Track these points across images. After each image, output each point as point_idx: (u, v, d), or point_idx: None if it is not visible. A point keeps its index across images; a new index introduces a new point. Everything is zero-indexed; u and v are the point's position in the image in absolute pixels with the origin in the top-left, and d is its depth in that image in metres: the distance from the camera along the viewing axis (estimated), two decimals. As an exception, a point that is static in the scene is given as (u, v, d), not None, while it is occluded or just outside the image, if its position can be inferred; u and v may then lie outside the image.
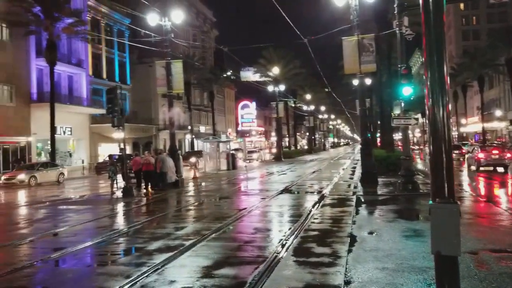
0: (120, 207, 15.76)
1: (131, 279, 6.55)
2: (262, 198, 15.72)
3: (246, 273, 6.71)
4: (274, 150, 58.45)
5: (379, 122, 39.97)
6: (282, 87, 52.01)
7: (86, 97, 45.16)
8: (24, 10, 32.12)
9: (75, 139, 44.34)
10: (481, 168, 24.65)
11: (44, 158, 38.33)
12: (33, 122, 37.60)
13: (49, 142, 35.07)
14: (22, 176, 27.08)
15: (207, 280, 6.42)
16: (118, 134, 20.08)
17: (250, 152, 53.14)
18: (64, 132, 41.41)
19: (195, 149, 53.38)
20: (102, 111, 45.19)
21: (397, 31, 15.82)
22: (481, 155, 24.89)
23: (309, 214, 11.82)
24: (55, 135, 34.25)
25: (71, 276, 7.18)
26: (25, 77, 37.81)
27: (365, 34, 18.69)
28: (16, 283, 6.77)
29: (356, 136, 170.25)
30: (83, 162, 42.70)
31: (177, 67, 22.05)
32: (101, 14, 48.74)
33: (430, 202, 3.96)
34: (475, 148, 27.86)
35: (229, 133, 78.17)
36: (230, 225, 10.84)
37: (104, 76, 49.07)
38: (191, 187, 21.54)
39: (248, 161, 46.08)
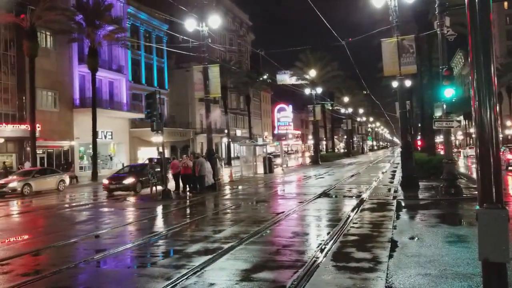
0: (159, 210, 16.04)
1: (171, 281, 6.63)
2: (300, 202, 15.62)
3: (285, 277, 6.67)
4: (304, 154, 58.06)
5: (419, 125, 39.03)
6: (319, 90, 51.59)
7: (126, 102, 46.35)
8: (67, 19, 33.29)
9: (116, 143, 45.57)
10: (510, 168, 25.92)
11: (86, 161, 39.62)
12: (76, 127, 38.92)
13: (91, 146, 36.19)
14: (14, 184, 23.75)
15: (246, 284, 6.42)
16: (157, 138, 20.47)
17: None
18: (105, 136, 42.64)
19: (232, 152, 53.71)
20: (141, 115, 46.27)
21: (438, 32, 15.40)
22: (509, 156, 26.55)
23: (348, 218, 11.66)
24: (97, 139, 35.30)
25: (113, 277, 7.34)
26: (68, 83, 39.19)
27: (404, 35, 18.31)
28: (60, 283, 6.99)
29: (395, 139, 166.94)
30: (123, 165, 43.70)
31: (214, 71, 22.30)
32: (140, 21, 49.96)
33: (477, 207, 3.83)
34: (506, 149, 28.56)
35: (266, 137, 78.27)
36: (267, 228, 10.82)
37: (143, 81, 50.22)
38: (228, 190, 21.68)
39: (285, 165, 45.98)
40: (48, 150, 36.81)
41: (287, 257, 7.90)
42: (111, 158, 43.50)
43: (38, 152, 32.07)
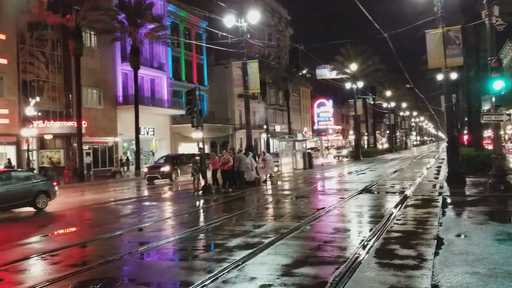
0: (200, 204, 16.22)
1: (212, 274, 6.68)
2: (341, 198, 15.40)
3: (326, 273, 6.58)
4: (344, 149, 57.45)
5: (466, 119, 37.63)
6: (360, 84, 50.78)
7: (167, 99, 47.20)
8: (110, 18, 34.16)
9: (157, 139, 46.52)
10: None
11: (130, 157, 40.67)
12: (119, 123, 39.99)
13: (133, 142, 37.07)
14: None
15: (287, 278, 6.37)
16: (197, 134, 20.71)
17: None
18: (147, 132, 43.60)
19: (271, 148, 53.76)
20: (182, 112, 46.98)
21: (487, 22, 14.75)
22: None
23: (391, 215, 11.37)
24: (139, 135, 36.11)
25: (156, 269, 7.46)
26: (112, 81, 40.29)
27: (450, 26, 17.66)
28: (107, 274, 7.18)
29: (440, 134, 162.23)
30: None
31: (253, 67, 22.33)
32: (180, 18, 50.65)
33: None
34: None
35: (305, 132, 77.75)
36: (308, 224, 10.71)
37: (183, 78, 50.95)
38: (267, 186, 21.66)
39: (338, 157, 46.09)
40: (94, 146, 38.03)
41: (328, 253, 7.79)
42: (153, 154, 44.43)
43: (84, 148, 33.16)
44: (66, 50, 33.90)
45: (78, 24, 31.09)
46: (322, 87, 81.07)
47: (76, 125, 31.75)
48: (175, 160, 29.84)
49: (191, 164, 25.62)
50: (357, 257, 7.30)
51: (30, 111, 30.27)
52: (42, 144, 34.45)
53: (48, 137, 34.04)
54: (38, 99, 31.87)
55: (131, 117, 35.34)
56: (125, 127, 38.75)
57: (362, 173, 27.29)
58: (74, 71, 32.14)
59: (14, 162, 30.06)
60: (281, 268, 6.90)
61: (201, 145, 21.29)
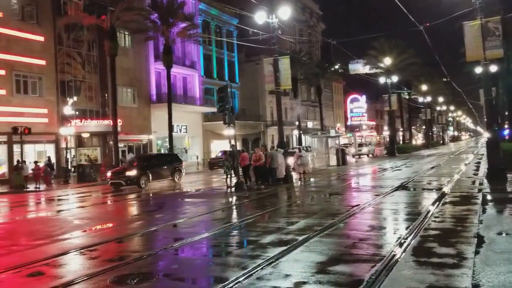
0: (232, 201, 16.25)
1: (247, 270, 6.65)
2: (376, 195, 15.11)
3: (362, 271, 6.44)
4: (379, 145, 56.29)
5: (506, 113, 36.31)
6: (394, 79, 49.73)
7: (199, 97, 47.65)
8: (143, 18, 34.69)
9: (190, 136, 47.08)
10: None
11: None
12: (153, 121, 40.69)
13: (167, 139, 37.62)
14: None
15: (322, 276, 6.28)
16: (229, 131, 20.79)
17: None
18: (180, 130, 44.15)
19: (303, 145, 53.44)
20: (214, 109, 47.30)
21: (529, 10, 14.13)
22: None
23: (428, 212, 11.07)
24: (173, 133, 36.58)
25: (191, 265, 7.51)
26: (145, 80, 41.00)
27: (489, 17, 17.02)
28: (143, 269, 7.26)
29: (479, 129, 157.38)
30: (197, 158, 45.22)
31: (284, 63, 22.19)
32: (211, 16, 50.97)
33: None
34: None
35: (338, 128, 76.91)
36: (342, 221, 10.56)
37: (215, 76, 51.27)
38: (300, 182, 21.51)
39: (358, 156, 45.06)
40: (129, 144, 38.88)
41: (363, 251, 7.63)
42: (186, 151, 44.99)
43: (120, 145, 33.88)
44: (101, 50, 34.76)
45: (113, 25, 31.70)
46: (355, 82, 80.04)
47: (111, 124, 32.45)
48: (146, 162, 24.99)
49: (165, 167, 25.18)
50: (394, 255, 7.12)
51: (68, 110, 31.20)
52: (79, 142, 35.48)
53: (85, 135, 35.05)
54: (75, 98, 32.80)
55: (164, 115, 35.84)
56: (158, 125, 39.36)
57: (397, 170, 26.74)
58: (109, 70, 32.81)
59: (53, 160, 31.06)
60: (316, 265, 6.81)
61: (233, 142, 21.37)
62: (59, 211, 16.25)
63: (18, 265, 7.65)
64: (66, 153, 31.57)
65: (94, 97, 36.34)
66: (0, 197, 21.32)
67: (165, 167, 25.53)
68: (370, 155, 47.78)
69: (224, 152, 35.87)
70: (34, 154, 31.41)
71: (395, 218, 11.08)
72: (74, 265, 7.89)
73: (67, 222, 13.04)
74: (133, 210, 15.89)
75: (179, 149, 43.83)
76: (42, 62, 32.15)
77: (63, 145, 32.18)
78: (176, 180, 25.25)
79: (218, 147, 46.96)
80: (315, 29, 77.50)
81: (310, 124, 68.92)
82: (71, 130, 31.78)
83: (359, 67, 61.30)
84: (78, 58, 35.58)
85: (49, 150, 32.64)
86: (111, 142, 34.32)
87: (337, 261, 7.02)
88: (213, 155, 45.31)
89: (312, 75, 59.09)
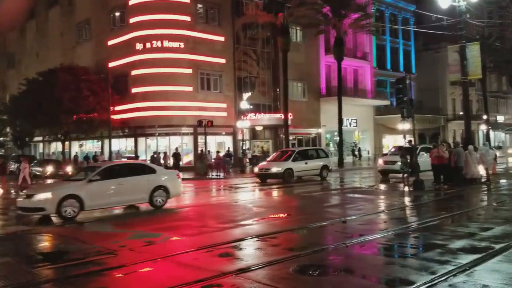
0: (411, 201, 15.12)
1: (436, 275, 6.15)
2: None
3: None
4: None
5: None
6: None
7: (370, 89, 45.97)
8: (315, 12, 34.68)
9: (360, 130, 45.88)
10: None
11: (332, 148, 41.02)
12: (322, 115, 40.74)
13: (336, 133, 37.08)
14: None
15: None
16: (404, 125, 19.33)
17: None
18: (350, 124, 43.30)
19: (492, 141, 47.45)
20: (386, 102, 45.11)
21: None
22: None
23: None
24: (342, 127, 35.92)
25: (371, 263, 7.16)
26: (315, 74, 41.18)
27: None
28: (324, 261, 7.28)
29: None
30: (368, 153, 43.76)
31: (473, 50, 19.75)
32: (386, 5, 48.56)
33: None
34: None
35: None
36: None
37: (388, 67, 48.79)
38: (489, 183, 18.79)
39: None
40: (298, 137, 39.64)
41: None
42: (355, 146, 43.81)
43: (289, 138, 34.66)
44: (274, 47, 35.94)
45: (286, 21, 32.37)
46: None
47: (283, 117, 33.34)
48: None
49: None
50: None
51: (244, 104, 33.14)
52: (253, 134, 37.51)
53: (258, 128, 36.90)
54: (250, 93, 34.61)
55: (334, 108, 35.45)
56: (327, 118, 39.23)
57: None
58: (281, 66, 33.71)
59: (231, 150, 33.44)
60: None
61: (408, 137, 19.80)
62: (238, 198, 17.33)
63: (209, 245, 8.30)
64: (242, 144, 33.61)
65: (266, 92, 37.88)
66: (187, 182, 23.45)
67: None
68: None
69: (399, 148, 33.69)
70: (214, 145, 34.34)
71: None
72: (258, 250, 8.19)
73: (247, 209, 13.70)
74: (303, 203, 15.80)
75: (349, 143, 42.94)
76: (222, 61, 34.67)
77: (239, 137, 34.31)
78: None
79: (390, 142, 44.68)
80: (508, 10, 67.87)
81: (500, 118, 60.83)
82: (246, 123, 33.64)
83: None
84: (253, 55, 37.50)
85: (227, 141, 35.24)
86: (282, 135, 35.33)
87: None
88: (385, 151, 43.09)
89: (504, 62, 51.87)
